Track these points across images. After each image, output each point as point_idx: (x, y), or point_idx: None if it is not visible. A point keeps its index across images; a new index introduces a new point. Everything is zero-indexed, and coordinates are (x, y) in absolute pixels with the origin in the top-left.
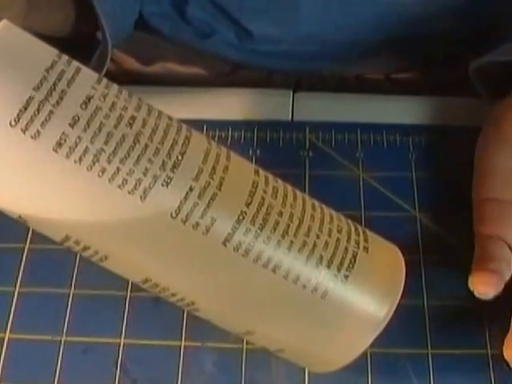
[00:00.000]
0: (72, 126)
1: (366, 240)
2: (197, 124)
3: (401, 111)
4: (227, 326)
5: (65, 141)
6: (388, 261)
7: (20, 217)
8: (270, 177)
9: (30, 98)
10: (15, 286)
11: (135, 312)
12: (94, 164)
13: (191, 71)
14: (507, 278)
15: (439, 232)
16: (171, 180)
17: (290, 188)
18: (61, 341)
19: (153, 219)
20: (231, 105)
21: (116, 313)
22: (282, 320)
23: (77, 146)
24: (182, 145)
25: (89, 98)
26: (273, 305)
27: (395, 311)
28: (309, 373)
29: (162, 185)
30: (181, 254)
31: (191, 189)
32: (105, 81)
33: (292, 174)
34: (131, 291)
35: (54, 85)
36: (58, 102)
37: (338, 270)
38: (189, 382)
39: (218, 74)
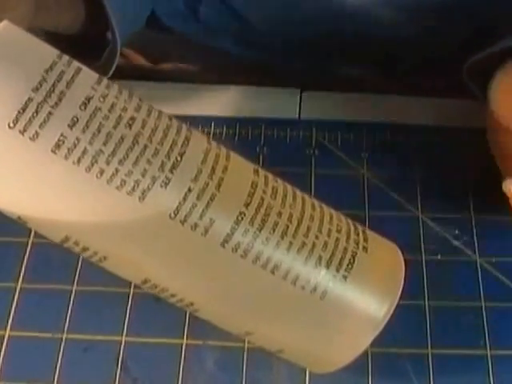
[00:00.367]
0: (71, 127)
1: (365, 240)
2: (205, 120)
3: (406, 111)
4: (226, 326)
5: (63, 142)
6: (387, 260)
7: (19, 217)
8: (270, 177)
9: (29, 100)
10: (17, 282)
11: (136, 310)
12: (92, 165)
13: (198, 69)
14: None
15: (441, 232)
16: (170, 181)
17: (289, 188)
18: (62, 338)
19: (151, 220)
20: (239, 102)
21: (117, 311)
22: (281, 320)
23: (75, 147)
24: (182, 145)
25: (88, 99)
26: (272, 305)
27: (395, 311)
28: (310, 372)
29: (161, 186)
30: (179, 254)
31: (190, 190)
32: (105, 81)
33: (298, 172)
34: (133, 289)
35: (53, 86)
36: (56, 103)
37: (337, 270)
38: (190, 381)
39: (226, 72)
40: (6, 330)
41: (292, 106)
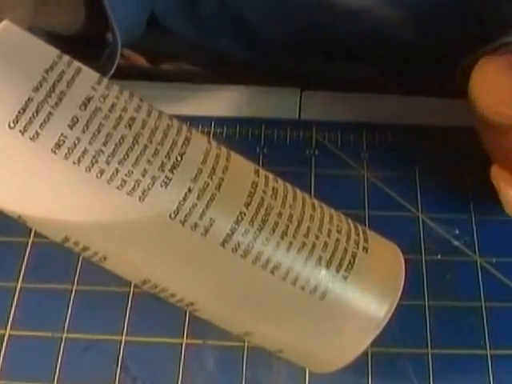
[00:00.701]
0: (71, 127)
1: (365, 240)
2: (205, 120)
3: (407, 111)
4: (226, 326)
5: (63, 142)
6: (388, 261)
7: (19, 217)
8: (270, 177)
9: (29, 100)
10: (17, 282)
11: (136, 309)
12: (92, 165)
13: (198, 69)
14: None
15: (441, 232)
16: (170, 181)
17: (290, 188)
18: (62, 338)
19: (151, 220)
20: (239, 102)
21: (117, 310)
22: (281, 321)
23: (75, 147)
24: (182, 146)
25: (88, 99)
26: (272, 306)
27: (395, 311)
28: (310, 371)
29: (161, 185)
30: (179, 254)
31: (190, 190)
32: (105, 81)
33: (298, 172)
34: (133, 288)
35: (54, 86)
36: (57, 103)
37: (337, 270)
38: (189, 380)
39: (225, 73)
40: (6, 329)
41: (292, 105)
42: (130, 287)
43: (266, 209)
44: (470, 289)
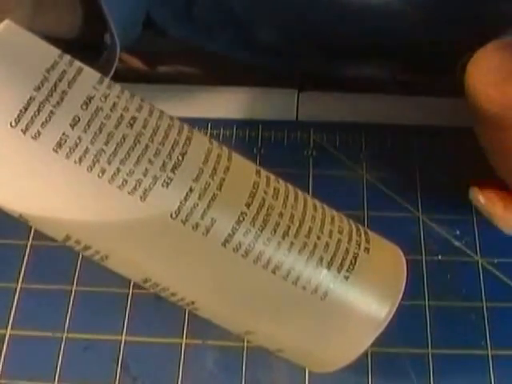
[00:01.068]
0: (72, 126)
1: (367, 241)
2: (202, 122)
3: (405, 112)
4: (227, 325)
5: (65, 141)
6: (389, 261)
7: (21, 216)
8: (272, 177)
9: (31, 99)
10: (17, 282)
11: (136, 309)
12: (94, 165)
13: (195, 71)
14: None
15: (441, 232)
16: (171, 181)
17: (291, 188)
18: (62, 337)
19: (153, 220)
20: (236, 103)
21: (117, 310)
22: (282, 320)
23: (77, 146)
24: (183, 146)
25: (90, 99)
26: (272, 305)
27: (396, 311)
28: (310, 371)
29: (162, 185)
30: (180, 254)
31: (191, 189)
32: (107, 81)
33: (296, 173)
34: (133, 289)
35: (55, 85)
36: (58, 103)
37: (339, 271)
38: (189, 380)
39: (223, 74)
40: (6, 329)
41: (289, 106)
42: (130, 288)
43: (268, 209)
44: (470, 289)
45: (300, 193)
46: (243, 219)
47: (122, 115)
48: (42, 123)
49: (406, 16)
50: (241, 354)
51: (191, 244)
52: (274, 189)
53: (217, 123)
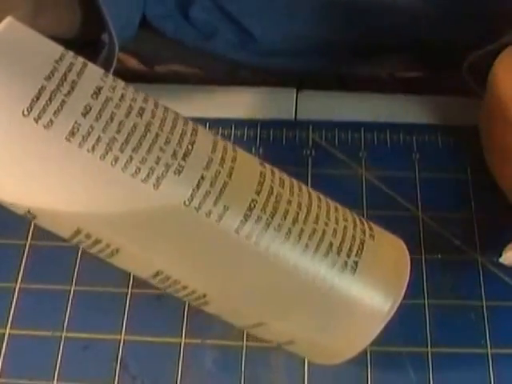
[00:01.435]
0: (84, 115)
1: (370, 229)
2: (200, 122)
3: (404, 110)
4: (237, 318)
5: (77, 130)
6: (394, 248)
7: (29, 211)
8: (275, 169)
9: (42, 88)
10: (16, 282)
11: (135, 309)
12: (106, 153)
13: (193, 71)
14: None
15: (441, 231)
16: (183, 168)
17: (294, 180)
18: (61, 337)
19: (166, 208)
20: (234, 103)
21: (116, 309)
22: (294, 310)
23: (89, 135)
24: (191, 135)
25: (99, 89)
26: (286, 293)
27: (396, 310)
28: (308, 370)
29: (175, 173)
30: (194, 242)
31: (203, 177)
32: (111, 76)
33: (295, 172)
34: (132, 288)
35: (65, 75)
36: (69, 92)
37: (348, 256)
38: (188, 379)
39: (220, 74)
40: (6, 328)
41: (288, 105)
42: (129, 287)
43: (276, 196)
44: (470, 288)
45: (303, 184)
46: (254, 206)
47: (130, 105)
48: (55, 112)
49: (414, 12)
50: (240, 353)
51: (204, 232)
52: (280, 178)
53: (215, 123)
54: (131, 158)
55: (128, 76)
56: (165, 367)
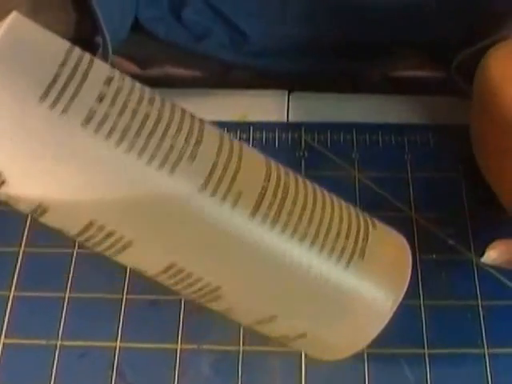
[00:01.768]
0: (98, 102)
1: (371, 220)
2: None
3: (396, 111)
4: (250, 311)
5: (93, 116)
6: (395, 239)
7: (40, 205)
8: (278, 163)
9: (57, 75)
10: (10, 290)
11: (131, 315)
12: (122, 139)
13: (186, 73)
14: None
15: (435, 231)
16: (196, 155)
17: (297, 174)
18: (56, 345)
19: (181, 195)
20: (227, 106)
21: (111, 316)
22: (305, 295)
23: (105, 121)
24: (200, 124)
25: (110, 79)
26: (300, 281)
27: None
28: (305, 374)
29: (188, 160)
30: (209, 229)
31: (215, 163)
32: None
33: None
34: (126, 294)
35: (77, 64)
36: (83, 80)
37: (356, 241)
38: None
39: (213, 76)
40: (0, 337)
41: (280, 108)
42: (124, 293)
43: (285, 183)
44: (466, 288)
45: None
46: (266, 191)
47: (141, 94)
48: (70, 98)
49: (406, 11)
50: (236, 358)
51: (220, 218)
52: (284, 169)
53: None
54: (146, 145)
55: None
56: (161, 373)
